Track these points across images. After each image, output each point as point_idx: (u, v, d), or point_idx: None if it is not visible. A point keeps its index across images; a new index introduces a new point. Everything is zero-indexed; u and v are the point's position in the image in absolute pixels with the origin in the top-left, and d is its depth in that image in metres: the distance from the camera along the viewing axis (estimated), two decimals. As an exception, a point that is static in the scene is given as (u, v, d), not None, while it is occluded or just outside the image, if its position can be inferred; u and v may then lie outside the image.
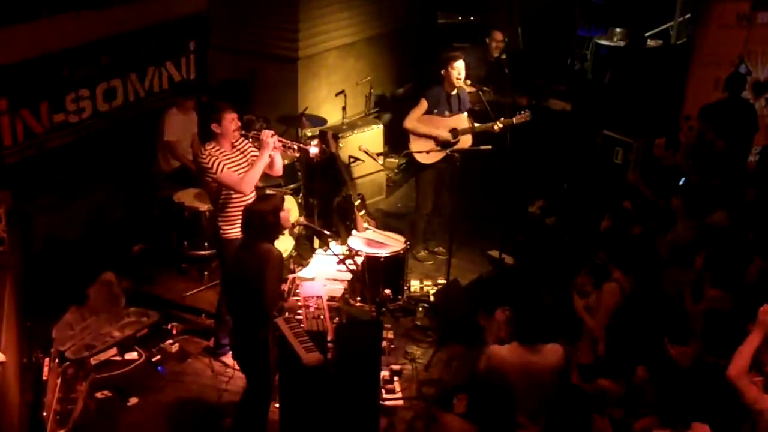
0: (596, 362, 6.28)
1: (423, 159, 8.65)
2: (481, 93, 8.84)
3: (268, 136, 6.72)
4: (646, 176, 8.47)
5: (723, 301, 6.02)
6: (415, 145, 8.62)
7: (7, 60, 7.73)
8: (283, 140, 6.95)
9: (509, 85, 9.75)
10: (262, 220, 5.80)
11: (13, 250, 7.11)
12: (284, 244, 8.44)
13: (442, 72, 8.53)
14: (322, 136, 8.82)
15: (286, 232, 8.26)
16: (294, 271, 7.55)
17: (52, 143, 8.39)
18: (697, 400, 5.31)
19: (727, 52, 9.88)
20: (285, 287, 6.29)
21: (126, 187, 9.10)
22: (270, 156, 6.80)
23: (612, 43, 12.22)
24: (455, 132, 8.59)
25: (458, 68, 8.47)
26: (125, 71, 9.09)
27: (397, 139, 9.76)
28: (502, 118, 8.61)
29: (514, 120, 8.59)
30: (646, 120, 9.86)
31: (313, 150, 7.42)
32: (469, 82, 8.75)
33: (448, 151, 8.38)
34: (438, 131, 8.55)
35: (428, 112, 8.56)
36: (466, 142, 8.64)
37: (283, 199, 6.07)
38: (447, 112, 8.59)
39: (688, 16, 11.17)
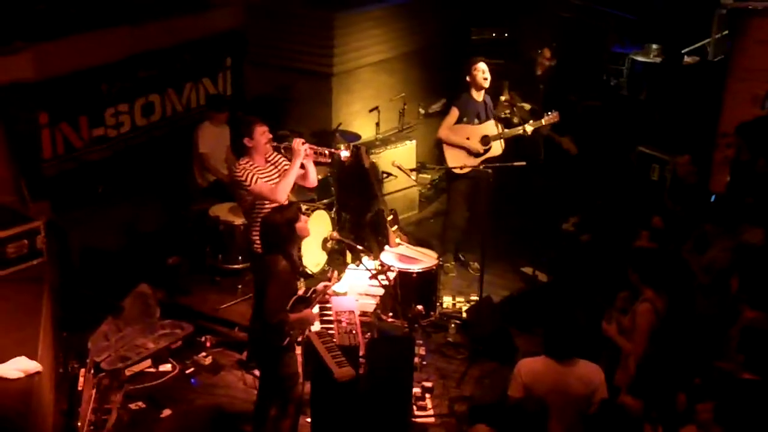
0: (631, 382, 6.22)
1: (457, 168, 8.68)
2: (515, 108, 8.85)
3: (299, 144, 6.78)
4: (674, 195, 8.39)
5: (762, 322, 5.97)
6: (449, 155, 8.66)
7: (47, 74, 7.87)
8: (314, 147, 7.01)
9: (543, 101, 9.76)
10: (276, 231, 5.85)
11: (51, 262, 7.23)
12: (317, 259, 8.49)
13: (467, 78, 8.56)
14: (356, 151, 8.86)
15: (319, 246, 8.32)
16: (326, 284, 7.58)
17: (91, 156, 8.51)
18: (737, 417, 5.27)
19: (764, 68, 9.77)
20: (309, 296, 6.28)
21: (162, 200, 9.19)
22: (303, 166, 6.86)
23: (648, 60, 12.15)
24: (486, 140, 8.61)
25: (481, 69, 8.53)
26: (163, 86, 9.21)
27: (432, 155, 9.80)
28: (532, 121, 8.61)
29: (544, 121, 8.59)
30: (683, 137, 9.78)
31: (344, 153, 7.45)
32: (503, 98, 8.76)
33: (480, 160, 8.41)
34: (470, 142, 8.58)
35: (459, 120, 8.59)
36: (497, 149, 8.64)
37: (298, 210, 6.10)
38: (476, 120, 8.62)
39: (726, 32, 11.05)
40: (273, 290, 5.72)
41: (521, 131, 8.62)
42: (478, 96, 8.65)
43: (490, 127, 8.67)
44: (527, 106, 9.04)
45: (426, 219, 10.38)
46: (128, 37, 8.64)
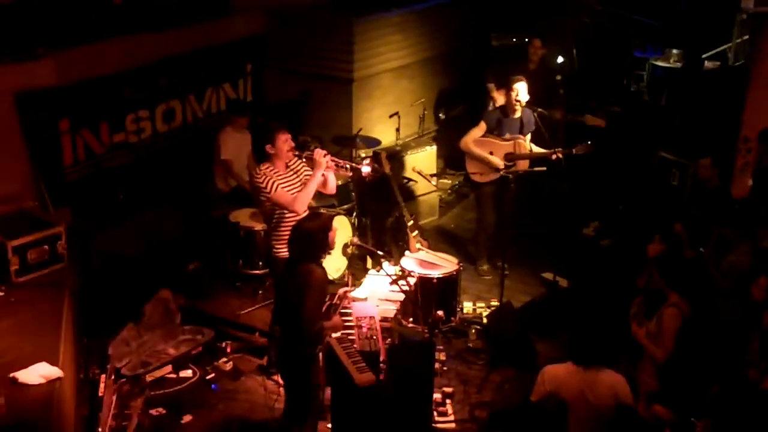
0: (659, 389, 6.17)
1: (478, 178, 8.67)
2: (535, 115, 8.81)
3: (321, 156, 6.77)
4: (695, 199, 8.33)
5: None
6: (471, 165, 8.65)
7: (69, 80, 7.92)
8: (336, 160, 7.00)
9: (562, 105, 9.71)
10: (309, 239, 5.81)
11: (72, 267, 7.26)
12: (337, 264, 8.48)
13: (495, 93, 8.55)
14: (376, 157, 8.87)
15: (340, 251, 8.32)
16: (346, 288, 7.56)
17: (112, 162, 8.55)
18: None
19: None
20: (334, 303, 6.26)
21: (183, 205, 9.22)
22: (323, 175, 6.85)
23: (668, 65, 12.10)
24: (510, 156, 8.57)
25: (517, 90, 8.47)
26: (184, 92, 9.26)
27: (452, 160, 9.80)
28: (561, 148, 8.54)
29: (574, 151, 8.49)
30: (703, 142, 9.72)
31: (365, 169, 7.44)
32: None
33: (502, 172, 8.40)
34: (492, 157, 8.55)
35: (488, 133, 8.57)
36: (522, 166, 8.61)
37: (331, 219, 6.07)
38: (508, 134, 8.58)
39: (746, 37, 10.99)
40: (311, 300, 5.68)
41: (548, 155, 8.53)
42: (513, 113, 8.61)
43: (520, 144, 8.61)
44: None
45: (446, 225, 10.37)
46: (150, 43, 8.68)
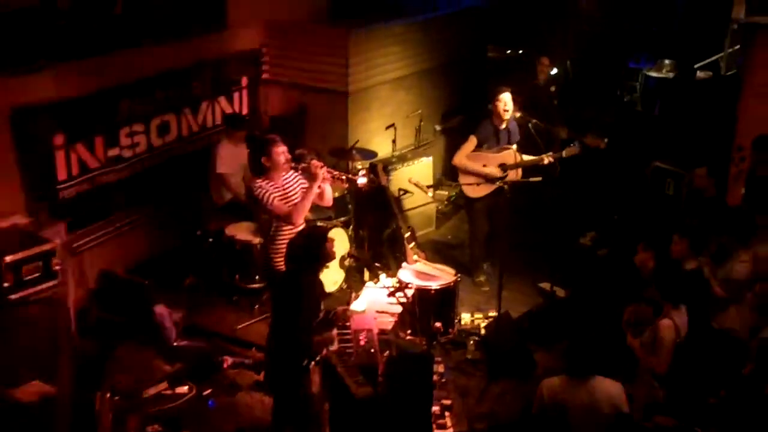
0: (655, 400, 6.15)
1: (472, 193, 8.67)
2: (530, 125, 8.82)
3: (318, 168, 6.76)
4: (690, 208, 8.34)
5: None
6: (464, 180, 8.65)
7: (63, 95, 7.88)
8: (332, 171, 7.00)
9: (556, 116, 9.73)
10: (307, 252, 5.81)
11: (66, 283, 7.22)
12: (334, 277, 8.45)
13: (490, 106, 8.56)
14: (373, 169, 8.86)
15: (337, 264, 8.29)
16: (348, 303, 7.54)
17: (107, 177, 8.51)
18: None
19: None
20: (329, 318, 6.24)
21: (178, 220, 9.18)
22: (320, 187, 6.84)
23: (661, 75, 12.16)
24: (504, 167, 8.58)
25: (504, 100, 8.49)
26: (179, 106, 9.22)
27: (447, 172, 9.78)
28: (551, 152, 8.57)
29: (564, 153, 8.56)
30: (697, 151, 9.74)
31: (361, 180, 7.45)
32: (518, 114, 8.74)
33: (497, 184, 8.40)
34: (487, 169, 8.55)
35: (478, 147, 8.58)
36: (515, 175, 8.62)
37: (326, 231, 6.07)
38: (496, 147, 8.59)
39: (738, 47, 11.03)
40: (304, 308, 5.67)
41: (540, 161, 8.57)
42: (501, 124, 8.62)
43: (510, 155, 8.62)
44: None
45: (444, 236, 10.35)
46: (147, 56, 8.66)
